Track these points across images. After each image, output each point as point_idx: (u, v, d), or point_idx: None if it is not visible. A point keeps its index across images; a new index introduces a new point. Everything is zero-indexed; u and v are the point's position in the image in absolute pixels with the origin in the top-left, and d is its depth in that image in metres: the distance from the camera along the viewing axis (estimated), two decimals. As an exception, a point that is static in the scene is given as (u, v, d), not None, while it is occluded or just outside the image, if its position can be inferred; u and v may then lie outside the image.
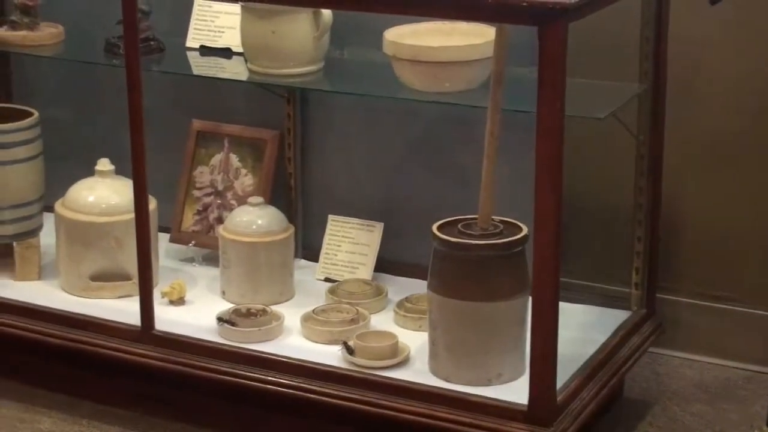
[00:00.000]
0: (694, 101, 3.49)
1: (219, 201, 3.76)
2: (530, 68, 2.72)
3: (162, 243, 3.68)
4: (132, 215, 3.31)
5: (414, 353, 3.08)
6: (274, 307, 3.34)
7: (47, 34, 3.75)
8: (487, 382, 2.92)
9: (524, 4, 2.64)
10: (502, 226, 2.99)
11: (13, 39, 3.76)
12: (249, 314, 3.27)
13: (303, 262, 3.68)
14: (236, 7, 3.42)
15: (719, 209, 3.52)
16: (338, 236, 3.66)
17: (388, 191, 3.67)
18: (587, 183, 3.40)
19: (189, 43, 3.67)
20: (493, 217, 3.00)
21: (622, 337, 3.21)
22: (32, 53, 3.88)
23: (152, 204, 3.35)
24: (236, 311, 3.29)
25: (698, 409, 3.33)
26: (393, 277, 3.58)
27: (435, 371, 3.00)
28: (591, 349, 3.10)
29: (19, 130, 3.65)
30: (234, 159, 3.77)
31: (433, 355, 3.02)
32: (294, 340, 3.23)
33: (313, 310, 3.29)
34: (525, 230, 2.93)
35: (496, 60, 2.90)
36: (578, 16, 2.66)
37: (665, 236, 3.45)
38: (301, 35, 3.30)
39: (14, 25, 3.73)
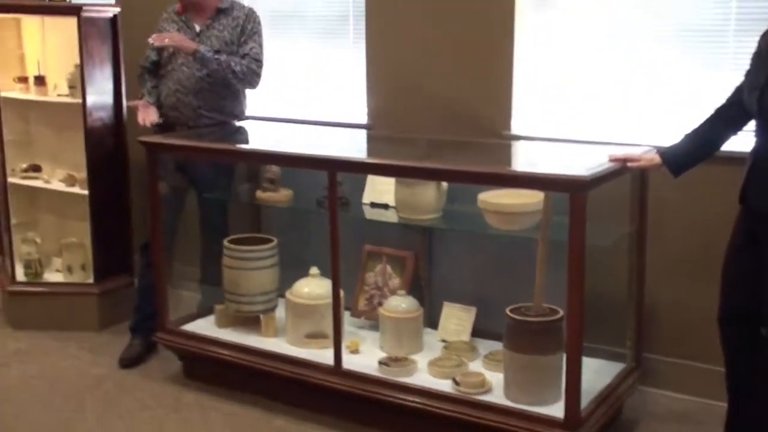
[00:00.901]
0: (665, 232, 3.41)
1: (379, 293, 3.72)
2: (564, 216, 2.72)
3: (346, 317, 3.60)
4: (329, 300, 3.35)
5: (495, 385, 3.08)
6: (412, 356, 3.36)
7: (283, 195, 3.75)
8: (539, 404, 2.92)
9: (560, 179, 2.76)
10: (548, 310, 3.02)
11: (264, 197, 3.76)
12: (397, 360, 3.29)
13: (428, 329, 3.59)
14: (392, 180, 3.40)
15: (685, 300, 3.41)
16: (449, 315, 3.61)
17: (480, 288, 3.62)
18: (601, 284, 3.24)
19: (364, 200, 3.63)
20: (542, 304, 3.05)
21: (620, 379, 3.20)
22: (274, 206, 3.87)
23: (341, 294, 3.36)
24: (389, 358, 3.32)
25: (671, 428, 3.28)
26: (482, 339, 3.52)
27: (507, 396, 3.01)
28: (601, 386, 3.09)
29: (265, 250, 3.70)
30: (389, 268, 3.73)
31: (507, 386, 3.03)
32: (423, 377, 3.22)
33: (435, 359, 3.30)
34: (561, 313, 2.95)
35: (544, 211, 2.96)
36: (594, 187, 2.72)
37: (648, 317, 3.39)
38: (429, 196, 3.29)
39: (264, 189, 3.75)
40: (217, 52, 3.73)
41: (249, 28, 3.82)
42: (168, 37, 3.73)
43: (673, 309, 3.48)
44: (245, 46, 3.80)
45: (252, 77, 3.80)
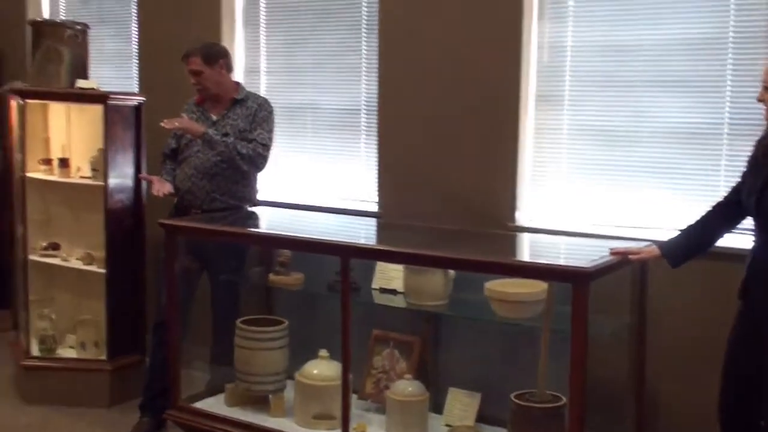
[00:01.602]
0: (665, 324, 3.45)
1: (386, 376, 3.76)
2: (568, 306, 2.79)
3: (353, 399, 3.59)
4: (338, 382, 3.41)
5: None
6: (417, 439, 3.39)
7: (294, 278, 3.81)
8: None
9: (564, 270, 2.88)
10: (551, 397, 3.09)
11: (275, 280, 3.82)
12: (403, 442, 3.34)
13: (433, 414, 3.59)
14: (401, 266, 3.50)
15: (685, 391, 3.43)
16: (454, 400, 3.62)
17: (485, 374, 3.66)
18: (603, 373, 3.32)
19: (373, 285, 3.68)
20: (546, 391, 3.12)
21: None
22: (286, 289, 3.90)
23: (350, 377, 3.39)
24: (395, 440, 3.39)
25: None
26: (486, 425, 3.54)
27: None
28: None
29: (276, 332, 3.80)
30: (396, 353, 3.78)
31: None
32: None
33: (440, 442, 3.34)
34: (564, 400, 3.02)
35: (547, 300, 3.07)
36: (596, 278, 2.82)
37: (649, 407, 3.42)
38: (436, 283, 3.36)
39: (277, 273, 3.82)
40: (225, 135, 3.91)
41: (260, 116, 4.03)
42: (178, 120, 3.93)
43: (673, 399, 3.50)
44: (254, 132, 3.99)
45: (258, 159, 3.98)
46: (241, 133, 3.99)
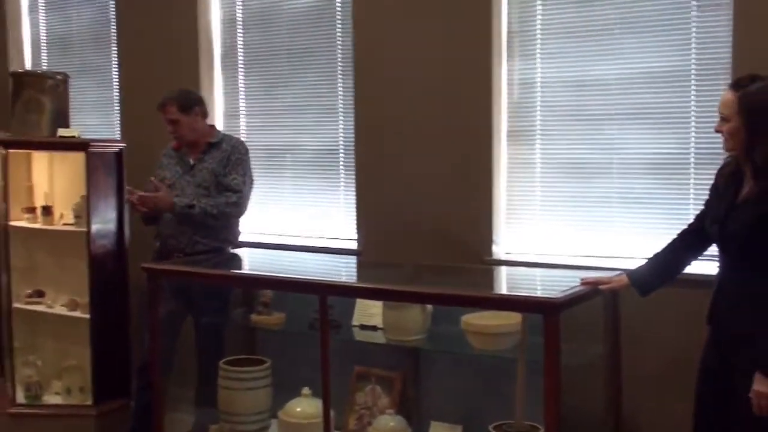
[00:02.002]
0: (638, 351, 3.48)
1: (369, 412, 3.80)
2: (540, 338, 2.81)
3: None
4: (320, 419, 3.42)
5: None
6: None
7: (276, 318, 3.82)
8: None
9: (534, 301, 2.94)
10: (528, 427, 3.14)
11: (258, 321, 3.84)
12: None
13: None
14: (380, 303, 3.52)
15: (660, 416, 3.47)
16: None
17: (465, 406, 3.70)
18: (580, 401, 3.33)
19: (354, 322, 3.70)
20: (523, 421, 3.16)
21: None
22: (268, 329, 3.93)
23: (332, 413, 3.39)
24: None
25: None
26: None
27: None
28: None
29: (259, 371, 3.87)
30: (378, 388, 3.82)
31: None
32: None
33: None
34: (541, 429, 3.04)
35: (522, 332, 3.11)
36: (566, 308, 2.86)
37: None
38: (415, 318, 3.38)
39: (259, 313, 3.84)
40: (191, 206, 3.98)
41: (234, 159, 4.10)
42: (145, 199, 4.00)
43: (650, 425, 3.54)
44: (228, 177, 4.06)
45: (232, 210, 4.05)
46: (216, 177, 4.07)
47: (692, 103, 3.52)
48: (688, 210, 3.49)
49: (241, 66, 4.79)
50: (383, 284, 3.35)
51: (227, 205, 4.02)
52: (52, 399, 4.55)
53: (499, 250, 3.95)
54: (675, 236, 3.03)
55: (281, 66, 4.63)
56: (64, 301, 4.56)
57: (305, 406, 3.70)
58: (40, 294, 4.67)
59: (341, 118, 4.44)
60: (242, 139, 4.54)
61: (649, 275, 3.00)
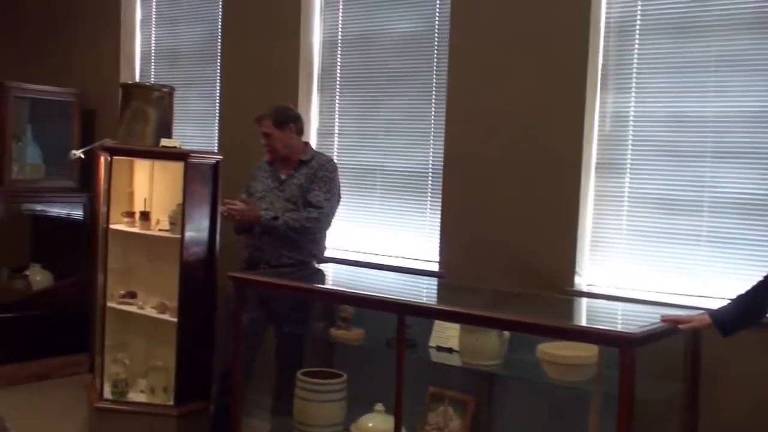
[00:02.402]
0: (718, 393, 3.42)
1: None
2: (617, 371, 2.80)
3: None
4: None
5: None
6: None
7: (355, 333, 3.92)
8: None
9: (611, 335, 2.94)
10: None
11: (337, 335, 3.94)
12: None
13: None
14: (458, 325, 3.53)
15: None
16: None
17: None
18: None
19: (430, 343, 3.73)
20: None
21: None
22: (346, 344, 4.03)
23: (403, 431, 3.39)
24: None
25: None
26: None
27: None
28: None
29: (335, 384, 3.92)
30: (450, 410, 3.84)
31: None
32: None
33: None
34: None
35: (598, 364, 3.13)
36: (644, 344, 2.85)
37: None
38: (491, 343, 3.41)
39: (339, 327, 3.94)
40: (275, 218, 4.10)
41: (320, 175, 4.22)
42: (235, 210, 4.13)
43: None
44: (311, 193, 4.18)
45: (312, 225, 4.16)
46: (303, 191, 4.19)
47: (789, 143, 3.45)
48: (779, 254, 3.41)
49: (339, 86, 4.92)
50: (461, 307, 3.40)
51: (308, 220, 4.12)
52: (136, 397, 4.70)
53: (581, 282, 3.94)
54: (762, 278, 2.97)
55: (377, 88, 4.75)
56: (155, 304, 4.73)
57: (377, 422, 3.74)
58: (132, 295, 4.85)
59: (432, 142, 4.51)
60: (335, 157, 4.68)
61: (732, 316, 2.95)
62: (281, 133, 4.20)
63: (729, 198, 3.60)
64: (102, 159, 4.92)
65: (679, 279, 3.71)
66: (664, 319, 3.06)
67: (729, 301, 3.00)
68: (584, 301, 3.82)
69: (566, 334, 3.10)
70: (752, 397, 3.40)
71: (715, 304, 3.20)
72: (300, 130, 4.31)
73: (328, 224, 4.23)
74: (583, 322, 3.55)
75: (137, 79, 5.97)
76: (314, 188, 4.19)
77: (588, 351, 3.14)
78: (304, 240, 4.19)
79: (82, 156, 5.22)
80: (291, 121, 4.26)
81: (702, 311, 3.13)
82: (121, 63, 5.99)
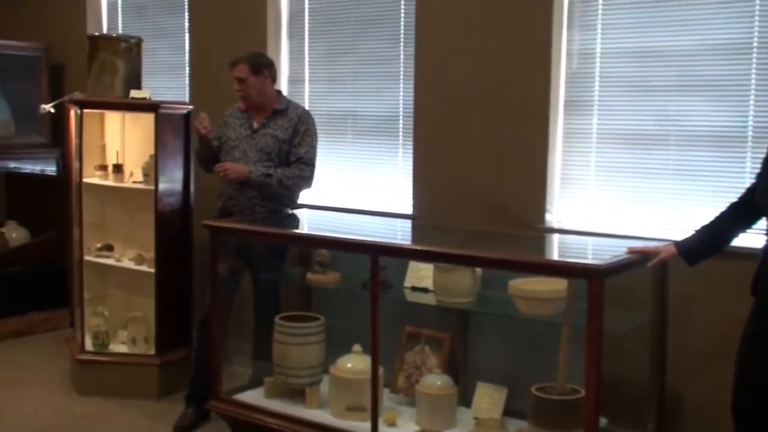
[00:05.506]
0: (685, 321, 3.52)
1: (417, 372, 3.85)
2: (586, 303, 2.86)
3: (386, 393, 3.81)
4: (369, 376, 3.51)
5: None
6: (445, 431, 3.54)
7: (331, 277, 3.95)
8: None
9: (579, 267, 2.98)
10: (570, 390, 3.18)
11: (313, 279, 3.97)
12: (430, 435, 3.45)
13: (462, 408, 3.69)
14: (431, 265, 3.61)
15: (706, 388, 3.45)
16: (482, 394, 3.69)
17: (511, 369, 3.76)
18: (624, 370, 3.44)
19: (406, 284, 3.80)
20: (566, 384, 3.20)
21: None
22: (323, 287, 4.08)
23: (381, 371, 3.53)
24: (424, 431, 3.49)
25: None
26: (512, 419, 3.58)
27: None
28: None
29: (312, 327, 3.93)
30: (427, 348, 3.87)
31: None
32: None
33: (467, 434, 3.43)
34: (582, 392, 3.05)
35: (567, 297, 3.16)
36: (611, 275, 2.90)
37: (670, 404, 3.46)
38: (465, 281, 3.47)
39: (315, 272, 3.96)
40: (268, 176, 4.05)
41: (302, 130, 4.17)
42: (228, 168, 4.08)
43: (694, 396, 3.55)
44: (299, 148, 4.14)
45: (303, 183, 4.16)
46: (280, 143, 4.15)
47: (753, 76, 3.48)
48: (744, 183, 3.41)
49: (307, 33, 4.88)
50: (434, 247, 3.44)
51: (301, 177, 4.12)
52: (117, 348, 4.74)
53: (551, 219, 3.98)
54: (725, 208, 3.02)
55: (346, 33, 4.71)
56: (132, 256, 4.75)
57: (356, 363, 3.77)
58: (109, 248, 4.86)
59: (402, 86, 4.50)
60: (306, 104, 4.65)
61: (697, 246, 3.01)
62: (256, 78, 4.15)
63: (695, 131, 3.63)
64: (72, 112, 4.89)
65: (648, 212, 3.77)
66: (631, 251, 3.12)
67: (694, 232, 3.05)
68: (555, 237, 3.87)
69: (536, 269, 3.16)
70: (717, 323, 3.47)
71: (683, 236, 3.25)
72: (274, 78, 4.26)
73: (312, 183, 4.23)
74: (554, 257, 3.59)
75: (104, 31, 5.89)
76: (300, 143, 4.15)
77: (558, 285, 3.18)
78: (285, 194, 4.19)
79: (52, 110, 5.18)
80: (266, 67, 4.20)
81: (668, 242, 3.18)
82: (87, 16, 5.91)
